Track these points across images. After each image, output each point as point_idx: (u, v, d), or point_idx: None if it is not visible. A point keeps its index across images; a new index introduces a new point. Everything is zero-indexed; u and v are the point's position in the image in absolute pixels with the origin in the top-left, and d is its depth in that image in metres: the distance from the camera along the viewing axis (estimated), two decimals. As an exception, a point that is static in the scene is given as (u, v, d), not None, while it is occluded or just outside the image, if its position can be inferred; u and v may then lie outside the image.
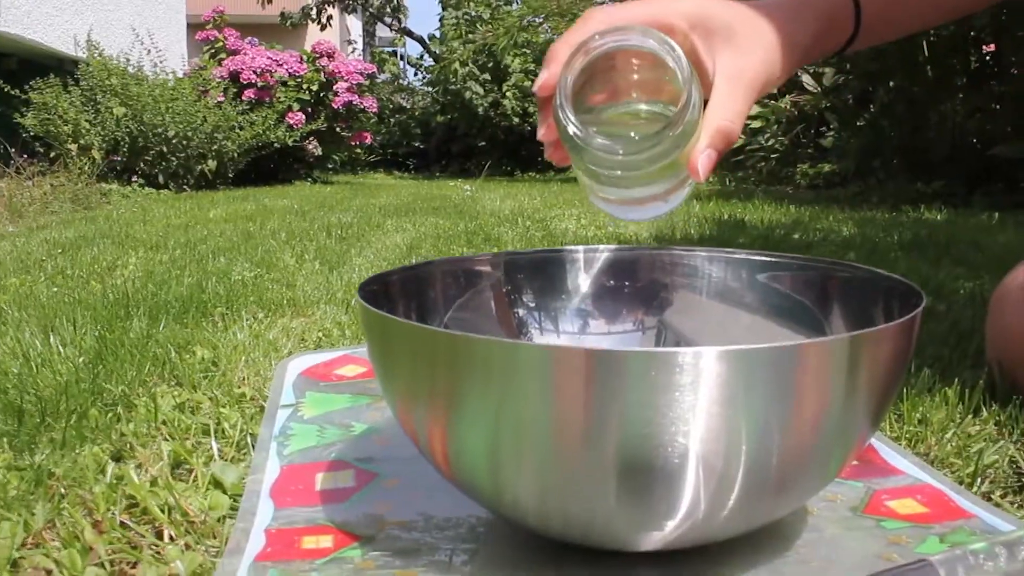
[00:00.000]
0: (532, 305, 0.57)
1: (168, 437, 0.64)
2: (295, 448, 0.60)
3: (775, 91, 4.37)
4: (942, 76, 3.17)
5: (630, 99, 0.48)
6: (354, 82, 5.91)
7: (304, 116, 5.60)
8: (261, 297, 1.23)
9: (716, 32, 0.49)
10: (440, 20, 9.05)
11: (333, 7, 9.59)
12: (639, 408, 0.36)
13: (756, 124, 4.46)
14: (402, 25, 10.24)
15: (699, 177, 0.46)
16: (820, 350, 0.38)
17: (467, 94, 7.84)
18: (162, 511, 0.50)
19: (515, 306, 0.57)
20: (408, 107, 9.49)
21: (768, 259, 0.55)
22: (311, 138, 5.76)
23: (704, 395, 0.36)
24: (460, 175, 7.80)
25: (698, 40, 0.49)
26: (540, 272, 0.57)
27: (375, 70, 6.45)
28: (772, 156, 4.47)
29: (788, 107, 4.30)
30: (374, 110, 6.22)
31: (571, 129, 0.44)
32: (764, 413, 0.37)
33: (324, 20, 9.38)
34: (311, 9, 9.32)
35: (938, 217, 2.46)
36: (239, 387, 0.77)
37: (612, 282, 0.56)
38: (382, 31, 11.69)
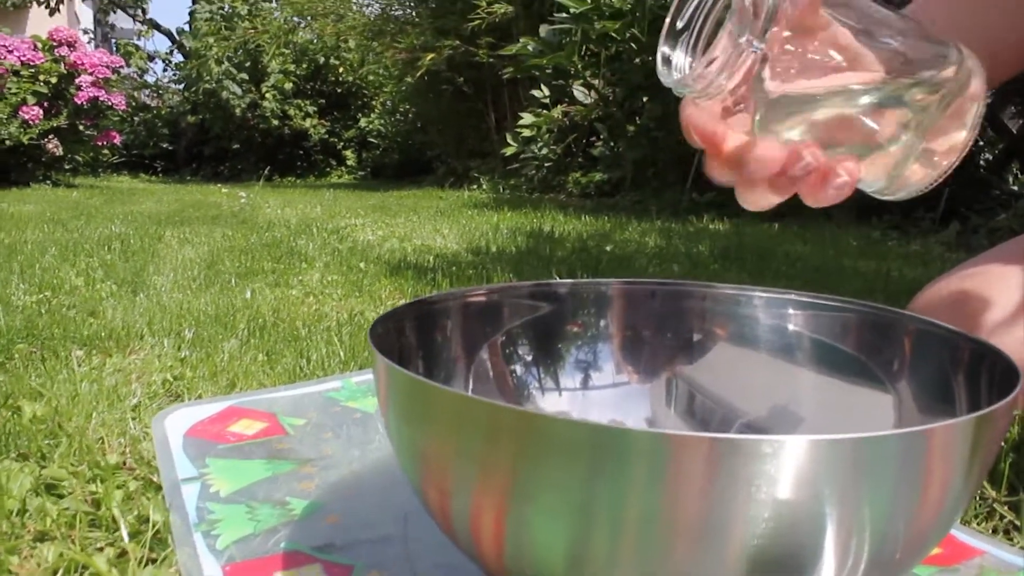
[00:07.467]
0: (529, 359, 0.49)
1: (43, 535, 0.50)
2: (229, 539, 0.48)
3: (547, 101, 4.50)
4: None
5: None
6: (100, 76, 5.36)
7: (41, 111, 5.01)
8: (66, 329, 1.04)
9: None
10: (191, 14, 8.49)
11: (64, -9, 8.73)
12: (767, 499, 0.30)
13: (528, 133, 4.55)
14: (147, 16, 9.50)
15: None
16: (947, 433, 0.34)
17: (224, 94, 7.40)
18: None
19: (511, 361, 0.49)
20: (154, 105, 8.79)
21: (789, 298, 0.50)
22: (51, 136, 5.17)
23: (834, 483, 0.31)
24: (214, 179, 7.37)
25: None
26: (534, 310, 0.50)
27: (123, 64, 5.91)
28: (545, 164, 4.59)
29: (560, 117, 4.43)
30: (123, 108, 5.69)
31: None
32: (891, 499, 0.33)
33: (54, 4, 8.49)
34: (38, -10, 8.44)
35: (721, 228, 2.61)
36: (103, 453, 0.62)
37: (614, 325, 0.50)
38: (119, 21, 10.75)
